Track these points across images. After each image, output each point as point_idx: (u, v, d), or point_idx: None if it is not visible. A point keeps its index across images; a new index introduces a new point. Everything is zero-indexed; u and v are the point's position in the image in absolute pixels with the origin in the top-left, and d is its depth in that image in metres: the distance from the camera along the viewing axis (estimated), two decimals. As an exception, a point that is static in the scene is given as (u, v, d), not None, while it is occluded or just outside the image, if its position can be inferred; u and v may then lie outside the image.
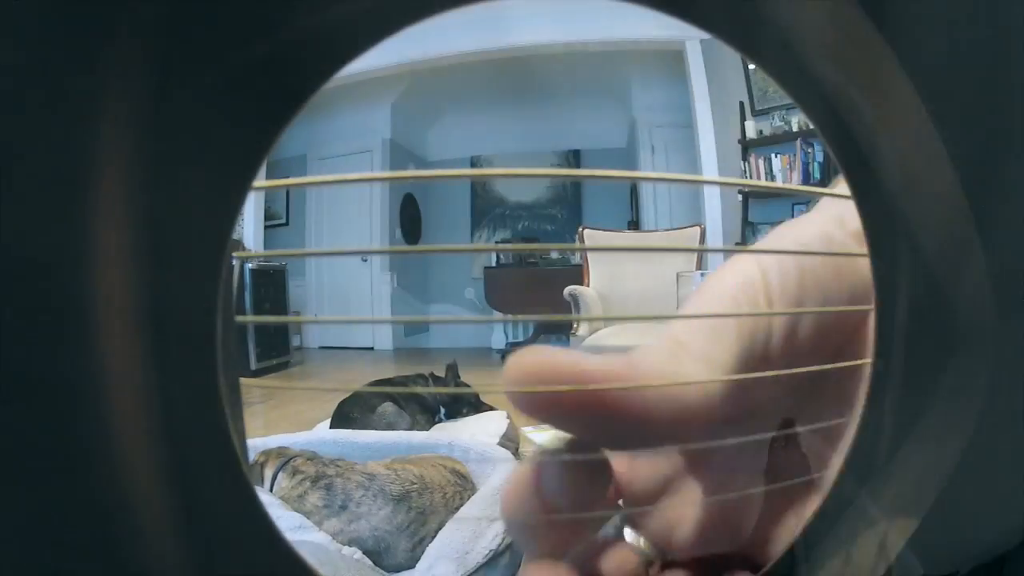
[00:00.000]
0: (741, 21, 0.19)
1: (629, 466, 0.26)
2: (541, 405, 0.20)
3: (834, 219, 0.25)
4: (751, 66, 4.78)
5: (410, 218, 7.46)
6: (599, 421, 0.20)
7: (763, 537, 0.25)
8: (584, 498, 0.22)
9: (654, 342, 0.22)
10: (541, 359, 0.20)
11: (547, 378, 0.20)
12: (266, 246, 6.41)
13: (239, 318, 0.21)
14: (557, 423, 0.21)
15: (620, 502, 0.26)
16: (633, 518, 0.26)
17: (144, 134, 0.16)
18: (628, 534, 0.26)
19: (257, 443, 1.73)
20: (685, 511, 0.26)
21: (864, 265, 0.24)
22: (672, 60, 5.33)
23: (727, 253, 0.25)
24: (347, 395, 2.37)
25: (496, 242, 7.17)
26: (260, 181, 0.18)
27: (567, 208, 7.68)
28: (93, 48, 0.15)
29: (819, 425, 0.25)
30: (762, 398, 0.24)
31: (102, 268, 0.16)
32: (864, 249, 0.23)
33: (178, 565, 0.18)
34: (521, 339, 6.90)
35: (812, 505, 0.25)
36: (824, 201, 0.27)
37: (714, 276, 0.25)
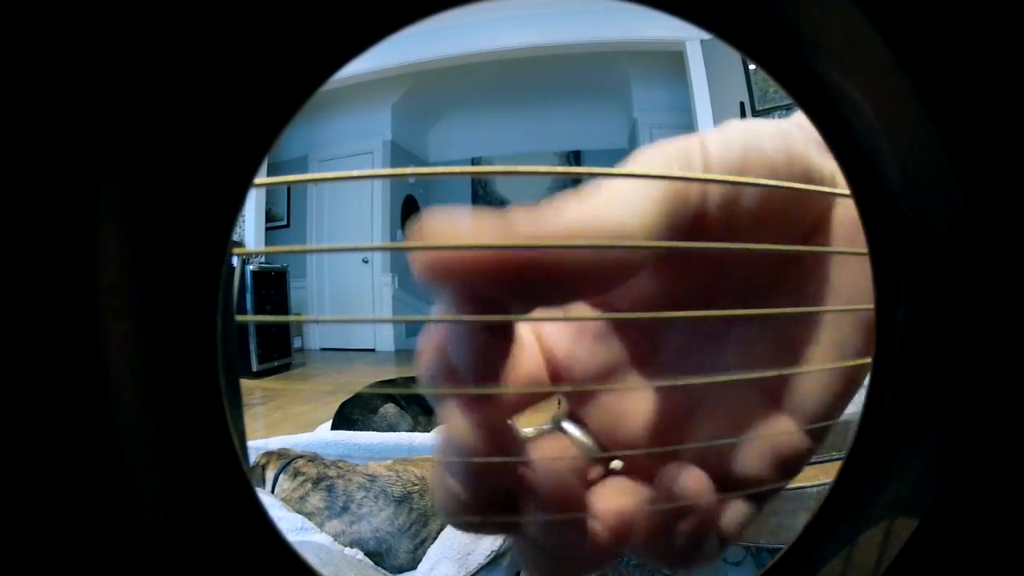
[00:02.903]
0: (741, 21, 0.19)
1: (568, 351, 0.25)
2: (447, 272, 0.19)
3: (799, 124, 0.23)
4: (751, 66, 4.78)
5: (411, 219, 7.45)
6: (518, 282, 0.18)
7: (719, 449, 0.23)
8: (492, 355, 0.20)
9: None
10: (449, 223, 0.19)
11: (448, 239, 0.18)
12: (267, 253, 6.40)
13: (239, 317, 0.21)
14: (461, 284, 0.19)
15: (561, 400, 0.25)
16: (575, 411, 0.25)
17: (144, 133, 0.16)
18: (570, 428, 0.24)
19: (258, 445, 1.73)
20: (630, 405, 0.24)
21: (817, 165, 0.23)
22: (672, 60, 5.33)
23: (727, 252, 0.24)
24: (349, 396, 2.37)
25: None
26: (260, 178, 0.18)
27: (568, 209, 7.66)
28: (93, 48, 0.15)
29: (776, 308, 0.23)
30: (700, 273, 0.23)
31: (102, 267, 0.16)
32: (828, 153, 0.22)
33: (178, 565, 0.18)
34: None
35: (777, 423, 0.23)
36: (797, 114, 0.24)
37: (653, 147, 0.23)
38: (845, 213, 0.23)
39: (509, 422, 0.22)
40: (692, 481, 0.22)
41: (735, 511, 0.23)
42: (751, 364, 0.23)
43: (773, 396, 0.23)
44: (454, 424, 0.21)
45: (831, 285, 0.23)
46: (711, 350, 0.25)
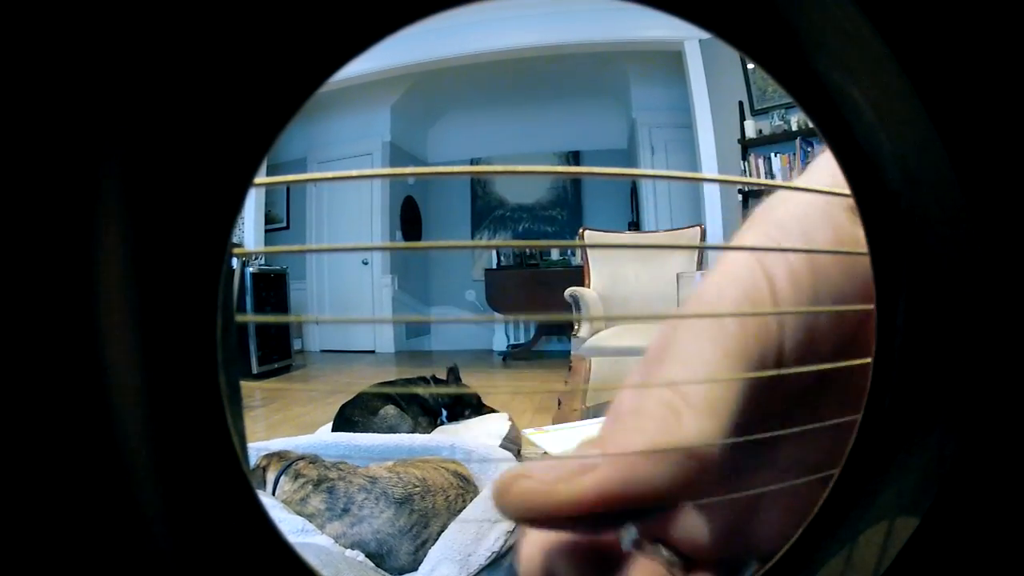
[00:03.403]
0: (741, 20, 0.19)
1: None
2: (540, 522, 0.20)
3: (832, 196, 0.23)
4: (750, 66, 4.79)
5: (410, 220, 7.46)
6: (600, 520, 0.19)
7: (784, 532, 0.23)
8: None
9: (646, 396, 0.20)
10: (521, 496, 0.19)
11: (532, 511, 0.19)
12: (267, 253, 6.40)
13: (239, 317, 0.21)
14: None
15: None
16: (653, 529, 0.25)
17: (144, 134, 0.16)
18: (649, 546, 0.25)
19: (259, 446, 1.73)
20: (704, 515, 0.25)
21: (861, 238, 0.22)
22: (671, 60, 5.34)
23: (727, 251, 0.23)
24: (349, 398, 2.37)
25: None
26: (260, 178, 0.18)
27: (567, 209, 7.67)
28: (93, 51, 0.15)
29: (828, 423, 0.24)
30: (773, 408, 0.23)
31: (102, 267, 0.16)
32: (859, 220, 0.22)
33: (179, 566, 0.18)
34: (523, 341, 6.90)
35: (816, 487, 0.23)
36: (813, 167, 0.25)
37: (710, 283, 0.23)
38: None
39: None
40: None
41: None
42: (803, 454, 0.24)
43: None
44: None
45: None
46: (769, 453, 0.25)
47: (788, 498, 0.24)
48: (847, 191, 0.21)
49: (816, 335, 0.22)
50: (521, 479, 0.19)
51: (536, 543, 0.22)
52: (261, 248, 5.88)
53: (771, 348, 0.21)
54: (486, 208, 7.85)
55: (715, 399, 0.20)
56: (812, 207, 0.23)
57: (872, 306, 0.22)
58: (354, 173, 0.19)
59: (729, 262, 0.23)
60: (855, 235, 0.22)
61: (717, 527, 0.24)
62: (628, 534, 0.24)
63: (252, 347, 5.10)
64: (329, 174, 0.19)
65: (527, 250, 6.85)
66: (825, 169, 0.23)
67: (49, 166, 0.15)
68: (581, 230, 4.60)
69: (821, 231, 0.23)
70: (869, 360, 0.22)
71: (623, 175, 0.21)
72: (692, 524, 0.25)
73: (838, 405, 0.24)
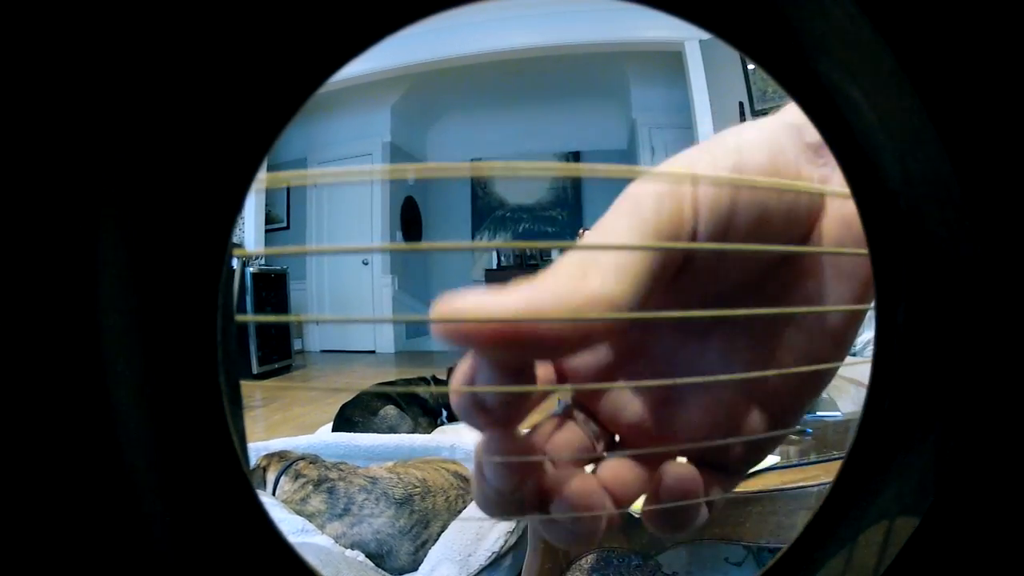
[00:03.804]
0: (741, 21, 0.20)
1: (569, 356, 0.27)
2: (459, 339, 0.21)
3: (790, 125, 0.25)
4: (750, 66, 4.79)
5: (410, 221, 7.46)
6: (514, 348, 0.21)
7: (704, 432, 0.26)
8: (511, 396, 0.23)
9: (566, 257, 0.22)
10: (461, 302, 0.21)
11: (465, 316, 0.20)
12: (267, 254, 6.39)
13: (239, 317, 0.21)
14: (478, 352, 0.22)
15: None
16: (581, 401, 0.28)
17: (144, 134, 0.16)
18: (578, 416, 0.27)
19: (259, 447, 1.73)
20: (627, 397, 0.27)
21: (806, 176, 0.24)
22: (671, 61, 5.33)
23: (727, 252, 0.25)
24: (349, 398, 2.37)
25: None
26: (260, 177, 0.18)
27: (567, 210, 7.67)
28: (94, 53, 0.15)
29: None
30: (685, 303, 0.25)
31: (103, 268, 0.16)
32: (817, 158, 0.24)
33: (179, 566, 0.18)
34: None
35: (750, 416, 0.26)
36: (785, 107, 0.26)
37: (639, 181, 0.25)
38: (831, 226, 0.25)
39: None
40: (682, 469, 0.25)
41: (717, 488, 0.27)
42: (731, 360, 0.26)
43: (747, 390, 0.26)
44: (488, 449, 0.23)
45: (813, 299, 0.26)
46: (697, 347, 0.27)
47: (709, 397, 0.26)
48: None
49: (733, 220, 0.24)
50: (454, 301, 0.21)
51: (466, 363, 0.23)
52: (261, 249, 5.88)
53: (683, 229, 0.23)
54: (486, 208, 7.85)
55: (622, 264, 0.22)
56: (762, 130, 0.26)
57: (871, 306, 0.22)
58: (354, 170, 0.19)
59: (663, 165, 0.25)
60: (798, 173, 0.25)
61: (639, 409, 0.27)
62: (558, 402, 0.27)
63: (252, 347, 5.09)
64: (329, 171, 0.19)
65: (527, 251, 6.84)
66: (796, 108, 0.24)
67: (49, 167, 0.15)
68: (581, 231, 4.60)
69: (756, 153, 0.25)
70: (869, 360, 0.22)
71: (623, 174, 0.21)
72: (617, 401, 0.27)
73: (771, 323, 0.26)
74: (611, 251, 0.22)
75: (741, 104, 4.98)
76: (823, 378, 0.27)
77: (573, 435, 0.26)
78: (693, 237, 0.23)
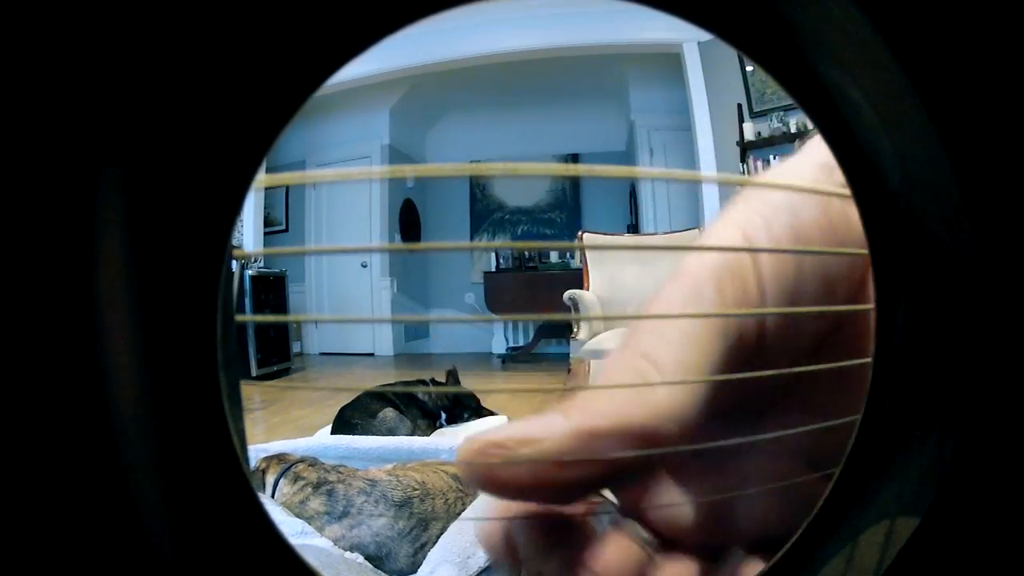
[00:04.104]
0: (741, 20, 0.20)
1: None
2: (494, 489, 0.19)
3: (823, 169, 0.23)
4: (749, 68, 4.79)
5: (409, 223, 7.46)
6: (563, 492, 0.19)
7: (768, 519, 0.24)
8: (560, 551, 0.20)
9: (617, 363, 0.20)
10: (493, 439, 0.19)
11: (495, 476, 0.19)
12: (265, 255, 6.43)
13: (239, 317, 0.21)
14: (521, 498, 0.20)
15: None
16: (628, 507, 0.24)
17: (143, 135, 0.16)
18: (624, 522, 0.24)
19: (258, 449, 1.72)
20: (683, 494, 0.24)
21: (854, 218, 0.22)
22: (670, 63, 5.34)
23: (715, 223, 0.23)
24: (348, 400, 2.37)
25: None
26: (260, 178, 0.18)
27: (566, 212, 7.68)
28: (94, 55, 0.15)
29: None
30: (757, 385, 0.23)
31: (102, 268, 0.16)
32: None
33: (179, 566, 0.18)
34: (522, 343, 6.90)
35: (802, 469, 0.23)
36: (808, 147, 0.24)
37: (692, 257, 0.22)
38: None
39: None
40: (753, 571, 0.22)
41: None
42: (790, 438, 0.23)
43: (812, 461, 0.24)
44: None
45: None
46: (749, 433, 0.24)
47: (772, 483, 0.24)
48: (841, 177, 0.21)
49: (798, 298, 0.22)
50: (484, 444, 0.19)
51: (498, 511, 0.21)
52: (260, 250, 5.88)
53: (751, 321, 0.21)
54: (485, 211, 7.85)
55: (688, 367, 0.19)
56: (803, 179, 0.23)
57: (872, 306, 0.22)
58: (353, 171, 0.19)
59: (713, 232, 0.23)
60: (845, 213, 0.22)
61: (697, 507, 0.24)
62: (604, 515, 0.23)
63: (251, 349, 5.09)
64: (328, 172, 0.19)
65: (526, 252, 6.84)
66: (822, 146, 0.23)
67: (49, 168, 0.15)
68: (580, 232, 4.60)
69: (808, 208, 0.22)
70: (869, 360, 0.22)
71: (621, 175, 0.21)
72: (670, 503, 0.24)
73: (827, 391, 0.24)
74: (672, 351, 0.20)
75: (740, 105, 4.98)
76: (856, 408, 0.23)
77: (623, 549, 0.23)
78: (763, 323, 0.21)
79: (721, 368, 0.20)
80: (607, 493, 0.23)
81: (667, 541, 0.24)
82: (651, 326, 0.20)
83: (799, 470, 0.24)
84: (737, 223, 0.22)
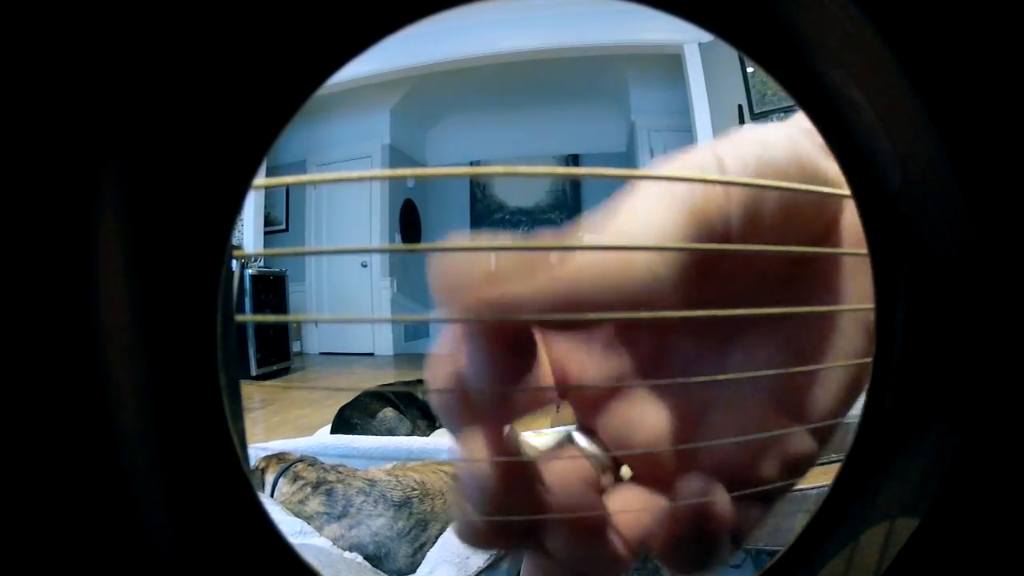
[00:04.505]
0: (742, 21, 0.20)
1: (578, 362, 0.25)
2: (458, 299, 0.19)
3: (803, 130, 0.24)
4: (750, 69, 4.79)
5: (409, 223, 7.46)
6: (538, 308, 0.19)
7: (730, 454, 0.23)
8: (508, 376, 0.21)
9: (597, 236, 0.21)
10: (466, 270, 0.19)
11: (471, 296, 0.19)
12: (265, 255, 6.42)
13: (239, 317, 0.21)
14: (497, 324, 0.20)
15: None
16: (584, 422, 0.25)
17: (143, 135, 0.16)
18: (580, 439, 0.24)
19: (258, 449, 1.72)
20: (639, 415, 0.24)
21: (825, 168, 0.23)
22: (670, 63, 5.34)
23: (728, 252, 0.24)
24: (347, 400, 2.37)
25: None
26: (259, 179, 0.18)
27: (567, 212, 7.67)
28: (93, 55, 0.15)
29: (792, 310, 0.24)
30: (713, 284, 0.23)
31: (102, 268, 0.16)
32: (826, 156, 0.22)
33: (179, 566, 0.18)
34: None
35: (785, 428, 0.24)
36: (797, 115, 0.25)
37: (666, 164, 0.23)
38: (853, 219, 0.23)
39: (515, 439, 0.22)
40: (713, 492, 0.22)
41: (749, 514, 0.24)
42: (757, 370, 0.24)
43: (780, 403, 0.24)
44: (471, 453, 0.21)
45: (841, 294, 0.24)
46: (717, 359, 0.25)
47: (735, 411, 0.24)
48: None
49: (760, 211, 0.23)
50: (462, 265, 0.19)
51: (451, 341, 0.21)
52: (260, 251, 5.88)
53: (716, 209, 0.22)
54: (485, 211, 7.85)
55: (665, 238, 0.21)
56: (780, 128, 0.24)
57: (871, 306, 0.22)
58: (353, 175, 0.19)
59: (690, 152, 0.24)
60: (818, 166, 0.23)
61: (654, 429, 0.24)
62: (562, 430, 0.24)
63: (251, 349, 5.10)
64: (328, 175, 0.19)
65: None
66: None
67: (49, 168, 0.15)
68: (581, 233, 4.60)
69: (779, 146, 0.23)
70: (869, 360, 0.22)
71: (621, 176, 0.21)
72: (627, 419, 0.24)
73: (795, 327, 0.24)
74: (651, 226, 0.21)
75: (740, 107, 4.98)
76: (861, 380, 0.24)
77: (575, 464, 0.23)
78: (727, 217, 0.22)
79: (692, 257, 0.21)
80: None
81: (619, 478, 0.24)
82: (627, 212, 0.22)
83: (764, 408, 0.24)
84: (711, 147, 0.23)
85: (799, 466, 0.24)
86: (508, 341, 0.20)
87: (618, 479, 0.24)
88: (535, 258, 0.19)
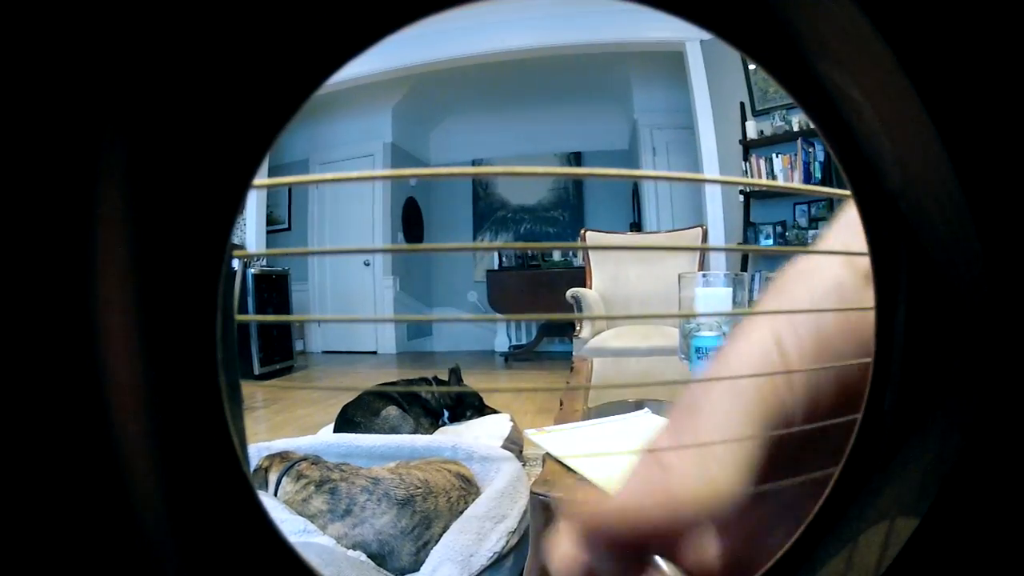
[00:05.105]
0: (742, 21, 0.20)
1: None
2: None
3: (843, 262, 0.26)
4: (751, 66, 4.78)
5: (412, 222, 7.46)
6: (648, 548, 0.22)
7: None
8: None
9: (678, 458, 0.23)
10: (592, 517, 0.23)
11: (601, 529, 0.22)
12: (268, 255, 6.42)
13: (239, 317, 0.21)
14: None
15: None
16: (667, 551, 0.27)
17: (144, 134, 0.16)
18: (661, 562, 0.26)
19: (261, 447, 1.73)
20: (716, 539, 0.27)
21: (868, 299, 0.24)
22: (672, 61, 5.33)
23: (729, 252, 0.25)
24: (350, 399, 2.37)
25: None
26: (260, 179, 0.18)
27: (569, 211, 7.68)
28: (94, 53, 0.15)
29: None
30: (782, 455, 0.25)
31: (102, 267, 0.16)
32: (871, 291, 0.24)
33: (179, 567, 0.18)
34: (524, 342, 6.90)
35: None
36: (831, 236, 0.27)
37: (728, 351, 0.25)
38: None
39: None
40: None
41: None
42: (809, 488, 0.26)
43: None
44: None
45: None
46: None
47: (794, 523, 0.26)
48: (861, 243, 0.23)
49: (819, 396, 0.24)
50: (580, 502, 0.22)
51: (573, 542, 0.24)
52: (262, 250, 5.88)
53: (782, 409, 0.24)
54: (488, 210, 7.85)
55: (737, 451, 0.23)
56: (822, 276, 0.26)
57: (872, 306, 0.22)
58: (354, 175, 0.19)
59: (747, 332, 0.26)
60: (860, 298, 0.25)
61: (727, 551, 0.27)
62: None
63: (254, 348, 5.10)
64: (329, 175, 0.19)
65: (529, 251, 6.85)
66: (844, 228, 0.26)
67: (50, 167, 0.15)
68: (583, 231, 4.60)
69: (827, 298, 0.25)
70: (869, 360, 0.22)
71: (624, 176, 0.22)
72: (704, 546, 0.27)
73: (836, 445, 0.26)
74: (722, 445, 0.23)
75: (742, 104, 4.98)
76: None
77: None
78: (792, 412, 0.24)
79: (762, 454, 0.24)
80: None
81: None
82: (705, 416, 0.24)
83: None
84: (770, 328, 0.26)
85: None
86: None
87: None
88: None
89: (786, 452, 0.25)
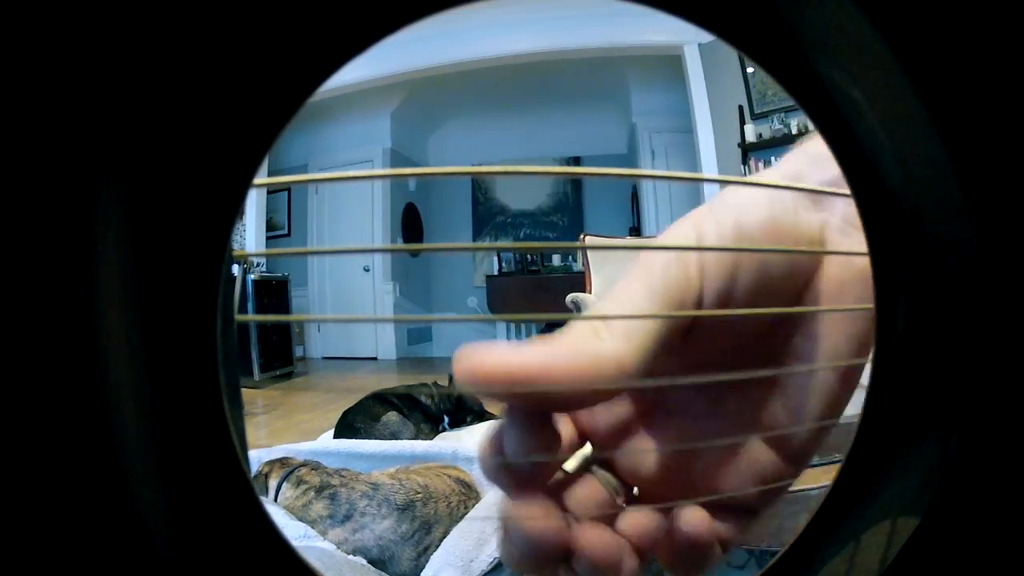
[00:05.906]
0: (742, 21, 0.20)
1: (589, 413, 0.29)
2: (480, 382, 0.22)
3: (785, 178, 0.27)
4: (750, 70, 4.79)
5: (412, 227, 7.46)
6: (532, 398, 0.23)
7: (725, 483, 0.28)
8: (537, 451, 0.24)
9: (578, 325, 0.24)
10: (484, 353, 0.22)
11: (487, 374, 0.22)
12: (267, 257, 6.43)
13: (239, 317, 0.21)
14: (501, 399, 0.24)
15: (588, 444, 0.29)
16: (601, 457, 0.29)
17: (143, 136, 0.16)
18: (598, 470, 0.28)
19: (261, 453, 1.72)
20: (646, 451, 0.29)
21: (804, 223, 0.26)
22: (671, 65, 5.34)
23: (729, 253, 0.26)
24: (351, 404, 2.37)
25: (498, 251, 7.19)
26: (260, 179, 0.18)
27: (568, 215, 7.68)
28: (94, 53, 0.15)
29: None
30: (694, 359, 0.27)
31: (102, 268, 0.16)
32: (815, 205, 0.25)
33: (180, 569, 0.18)
34: (524, 346, 6.87)
35: (759, 452, 0.27)
36: (783, 160, 0.29)
37: (658, 238, 0.27)
38: (830, 272, 0.26)
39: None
40: (695, 517, 0.26)
41: (732, 528, 0.28)
42: (751, 408, 0.28)
43: (769, 439, 0.28)
44: (516, 512, 0.25)
45: (817, 338, 0.26)
46: (712, 400, 0.29)
47: (729, 450, 0.28)
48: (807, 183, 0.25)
49: (736, 282, 0.26)
50: (478, 351, 0.22)
51: (492, 429, 0.25)
52: (261, 251, 5.88)
53: (689, 294, 0.25)
54: (487, 214, 7.85)
55: (632, 327, 0.24)
56: (756, 194, 0.27)
57: (872, 306, 0.22)
58: (352, 174, 0.19)
59: (672, 227, 0.27)
60: (797, 224, 0.26)
61: (658, 461, 0.28)
62: (575, 459, 0.28)
63: (254, 354, 5.10)
64: (328, 175, 0.19)
65: (528, 256, 6.85)
66: (791, 159, 0.28)
67: (49, 169, 0.15)
68: (582, 236, 4.60)
69: (755, 208, 0.26)
70: (867, 360, 0.22)
71: (621, 176, 0.22)
72: (636, 454, 0.29)
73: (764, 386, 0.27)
74: (629, 299, 0.24)
75: (741, 108, 4.98)
76: (835, 414, 0.27)
77: (594, 491, 0.28)
78: (700, 298, 0.25)
79: (662, 335, 0.24)
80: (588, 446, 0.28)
81: (632, 497, 0.28)
82: (609, 297, 0.25)
83: (754, 444, 0.28)
84: (692, 220, 0.27)
85: (778, 489, 0.28)
86: (533, 424, 0.24)
87: (630, 500, 0.28)
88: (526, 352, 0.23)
89: (713, 348, 0.27)
